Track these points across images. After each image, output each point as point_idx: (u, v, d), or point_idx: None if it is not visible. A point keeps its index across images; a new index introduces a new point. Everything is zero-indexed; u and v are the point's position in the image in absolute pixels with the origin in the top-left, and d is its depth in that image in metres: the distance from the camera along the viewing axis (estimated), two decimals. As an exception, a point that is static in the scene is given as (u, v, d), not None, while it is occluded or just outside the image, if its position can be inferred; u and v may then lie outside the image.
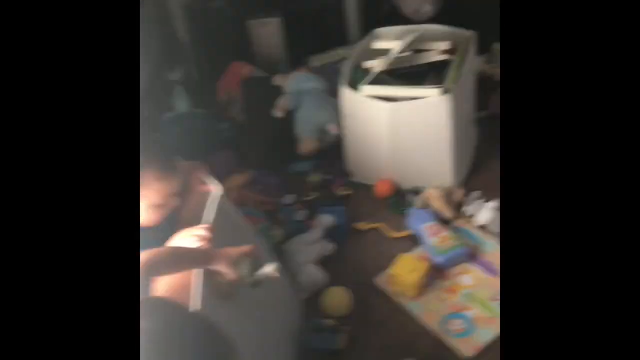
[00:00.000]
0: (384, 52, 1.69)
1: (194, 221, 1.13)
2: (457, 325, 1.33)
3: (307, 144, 1.80)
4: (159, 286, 1.03)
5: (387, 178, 1.70)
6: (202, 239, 1.07)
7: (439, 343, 1.31)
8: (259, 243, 1.32)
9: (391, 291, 1.43)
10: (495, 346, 1.28)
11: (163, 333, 0.82)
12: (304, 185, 1.78)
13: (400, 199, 1.68)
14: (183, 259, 1.04)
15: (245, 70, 2.04)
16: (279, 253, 1.51)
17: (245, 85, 1.93)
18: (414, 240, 1.55)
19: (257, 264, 1.04)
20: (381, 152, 1.66)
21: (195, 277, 1.02)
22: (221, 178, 1.79)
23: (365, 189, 1.74)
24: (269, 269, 1.04)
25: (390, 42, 1.71)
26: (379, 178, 1.71)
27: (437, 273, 1.45)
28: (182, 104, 2.01)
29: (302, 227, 1.56)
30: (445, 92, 1.51)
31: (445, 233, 1.48)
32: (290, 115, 1.86)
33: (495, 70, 2.07)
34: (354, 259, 1.55)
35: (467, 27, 1.78)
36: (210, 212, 1.13)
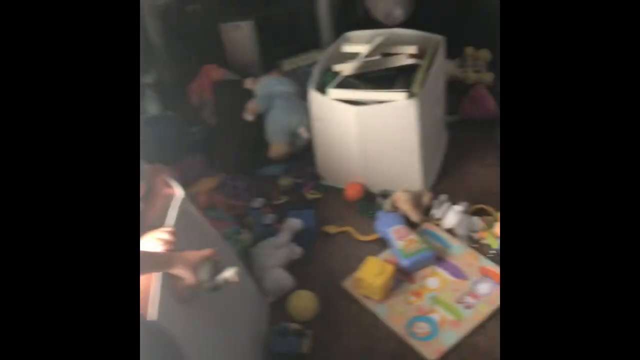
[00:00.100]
0: (353, 56, 1.69)
1: (158, 224, 1.13)
2: (422, 328, 1.34)
3: (277, 147, 1.80)
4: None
5: (357, 181, 1.71)
6: (164, 242, 1.07)
7: (403, 346, 1.32)
8: (223, 247, 1.31)
9: (358, 294, 1.43)
10: (458, 350, 1.29)
11: None
12: (274, 188, 1.78)
13: (370, 202, 1.69)
14: (143, 263, 1.03)
15: (216, 73, 2.03)
16: (247, 257, 1.51)
17: (215, 89, 1.93)
18: (382, 244, 1.56)
19: (217, 268, 1.04)
20: (350, 156, 1.66)
21: (154, 281, 1.01)
22: (191, 181, 1.81)
23: (335, 192, 1.75)
24: (229, 273, 1.03)
25: (360, 45, 1.72)
26: (348, 181, 1.71)
27: (404, 276, 1.46)
28: (152, 107, 2.00)
29: (270, 231, 1.56)
30: (411, 95, 1.52)
31: (411, 236, 1.49)
32: (261, 118, 1.86)
33: (466, 74, 2.09)
34: (322, 262, 1.55)
35: (440, 32, 1.80)
36: (171, 215, 1.13)
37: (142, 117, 1.96)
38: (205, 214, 1.64)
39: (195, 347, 1.08)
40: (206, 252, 1.04)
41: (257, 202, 1.62)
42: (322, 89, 1.63)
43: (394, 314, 1.37)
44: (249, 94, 1.91)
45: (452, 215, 1.54)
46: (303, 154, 1.84)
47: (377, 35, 1.75)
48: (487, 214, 1.60)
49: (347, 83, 1.66)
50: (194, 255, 1.04)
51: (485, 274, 1.43)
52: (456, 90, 2.07)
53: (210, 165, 1.85)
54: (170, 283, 1.03)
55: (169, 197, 1.19)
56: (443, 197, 1.58)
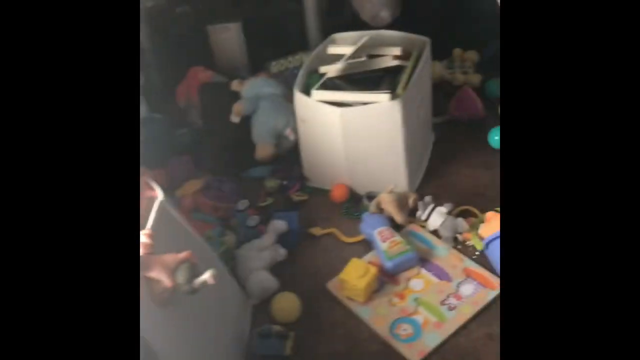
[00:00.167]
0: (338, 58, 1.69)
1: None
2: (405, 329, 1.33)
3: (263, 149, 1.80)
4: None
5: (343, 183, 1.70)
6: (142, 245, 1.06)
7: (386, 348, 1.31)
8: (204, 249, 1.31)
9: (341, 296, 1.43)
10: (441, 351, 1.29)
11: None
12: (260, 190, 1.77)
13: (355, 204, 1.69)
14: None
15: (203, 75, 2.03)
16: (232, 259, 1.51)
17: (201, 91, 1.92)
18: (367, 245, 1.56)
19: (195, 271, 1.03)
20: (336, 157, 1.66)
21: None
22: (178, 183, 1.81)
23: (321, 194, 1.75)
24: (206, 275, 1.03)
25: (345, 47, 1.72)
26: (335, 183, 1.71)
27: (388, 278, 1.46)
28: (140, 109, 2.00)
29: (254, 233, 1.56)
30: (395, 97, 1.52)
31: (395, 238, 1.48)
32: (247, 120, 1.86)
33: (453, 75, 2.09)
34: (307, 264, 1.54)
35: (427, 33, 1.80)
36: (150, 217, 1.13)
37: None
38: (191, 216, 1.65)
39: (174, 350, 1.08)
40: (183, 255, 1.04)
41: (242, 204, 1.62)
42: (307, 90, 1.63)
43: (377, 316, 1.37)
44: (235, 96, 1.91)
45: (436, 217, 1.53)
46: (289, 156, 1.84)
47: (364, 37, 1.75)
48: (472, 215, 1.59)
49: (332, 84, 1.66)
50: (171, 258, 1.03)
51: (469, 275, 1.43)
52: (444, 91, 2.08)
53: (196, 167, 1.85)
54: (147, 286, 1.02)
55: (151, 199, 1.19)
56: (428, 198, 1.58)
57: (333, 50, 1.72)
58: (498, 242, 1.40)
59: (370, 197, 1.65)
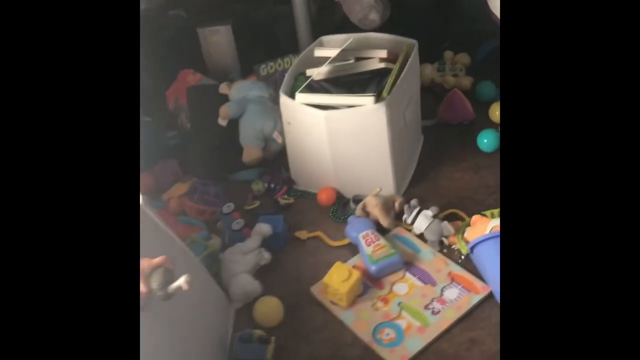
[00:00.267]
0: (325, 60, 1.68)
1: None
2: (388, 334, 1.32)
3: (251, 152, 1.79)
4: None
5: (330, 186, 1.69)
6: None
7: (369, 353, 1.30)
8: (183, 253, 1.30)
9: (325, 300, 1.41)
10: (423, 356, 1.27)
11: None
12: (248, 194, 1.77)
13: (342, 207, 1.68)
14: None
15: (192, 78, 2.02)
16: (216, 262, 1.50)
17: (189, 93, 1.92)
18: (353, 249, 1.54)
19: (170, 276, 1.02)
20: (322, 160, 1.65)
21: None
22: (166, 186, 1.81)
23: (308, 197, 1.74)
24: (180, 281, 1.02)
25: (332, 50, 1.71)
26: (321, 186, 1.70)
27: (373, 281, 1.45)
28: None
29: (239, 236, 1.55)
30: (379, 99, 1.51)
31: (380, 241, 1.47)
32: (236, 123, 1.85)
33: (444, 78, 2.08)
34: (292, 268, 1.53)
35: (418, 36, 1.79)
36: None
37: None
38: (177, 220, 1.65)
39: (153, 354, 1.07)
40: (158, 260, 1.03)
41: (227, 208, 1.61)
42: (294, 93, 1.62)
43: (360, 320, 1.36)
44: (224, 99, 1.90)
45: (422, 220, 1.52)
46: (277, 159, 1.83)
47: (348, 39, 1.74)
48: (460, 218, 1.58)
49: (319, 87, 1.65)
50: (145, 263, 1.02)
51: (453, 280, 1.42)
52: (434, 94, 2.07)
53: (184, 170, 1.84)
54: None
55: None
56: (414, 201, 1.57)
57: (320, 52, 1.71)
58: (483, 246, 1.39)
59: (357, 200, 1.64)
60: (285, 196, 1.74)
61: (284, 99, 1.60)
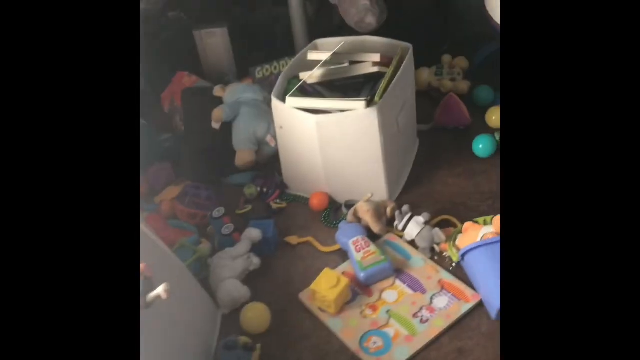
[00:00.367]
0: (317, 64, 1.67)
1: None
2: (375, 342, 1.30)
3: (244, 155, 1.78)
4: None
5: (322, 191, 1.68)
6: None
7: (355, 361, 1.29)
8: (171, 259, 1.29)
9: (313, 307, 1.40)
10: (409, 365, 1.26)
11: None
12: (240, 197, 1.75)
13: (335, 213, 1.66)
14: None
15: (188, 80, 2.01)
16: (206, 267, 1.48)
17: (183, 96, 1.91)
18: (343, 255, 1.53)
19: (149, 285, 1.01)
20: (315, 165, 1.63)
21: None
22: (159, 189, 1.79)
23: (300, 202, 1.72)
24: (159, 290, 1.01)
25: (326, 53, 1.69)
26: (314, 190, 1.69)
27: (362, 288, 1.43)
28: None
29: (229, 241, 1.53)
30: (371, 104, 1.49)
31: (370, 248, 1.45)
32: (230, 126, 1.84)
33: (441, 82, 2.06)
34: (281, 274, 1.52)
35: (416, 39, 1.77)
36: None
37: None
38: (168, 224, 1.64)
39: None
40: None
41: (218, 212, 1.59)
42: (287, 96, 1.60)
43: (347, 328, 1.34)
44: (219, 102, 1.89)
45: (413, 227, 1.50)
46: (270, 163, 1.81)
47: (343, 42, 1.72)
48: (453, 225, 1.56)
49: (311, 91, 1.64)
50: None
51: (444, 287, 1.40)
52: (432, 98, 2.05)
53: (177, 173, 1.83)
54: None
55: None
56: (405, 207, 1.55)
57: (312, 56, 1.69)
58: (474, 253, 1.37)
59: (349, 205, 1.62)
60: (278, 200, 1.72)
61: (275, 103, 1.58)
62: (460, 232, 1.50)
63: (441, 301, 1.36)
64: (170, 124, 2.03)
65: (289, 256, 1.57)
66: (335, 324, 1.35)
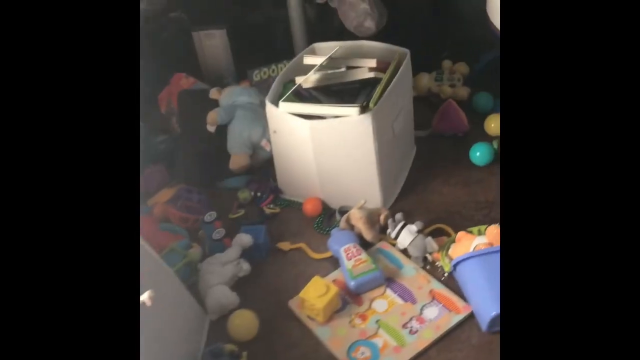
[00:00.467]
0: (313, 68, 1.65)
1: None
2: (363, 353, 1.28)
3: (238, 159, 1.76)
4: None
5: (316, 196, 1.66)
6: None
7: (342, 371, 1.27)
8: (158, 264, 1.27)
9: (302, 315, 1.38)
10: (396, 377, 1.24)
11: None
12: (233, 202, 1.74)
13: (328, 219, 1.65)
14: None
15: (185, 82, 2.00)
16: (195, 272, 1.47)
17: (180, 98, 1.89)
18: (335, 262, 1.51)
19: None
20: (309, 170, 1.62)
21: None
22: (153, 192, 1.78)
23: (294, 207, 1.70)
24: (143, 297, 1.00)
25: (322, 57, 1.68)
26: (308, 196, 1.67)
27: (352, 297, 1.41)
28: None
29: (220, 246, 1.52)
30: (365, 110, 1.47)
31: (361, 256, 1.44)
32: (225, 129, 1.82)
33: (441, 88, 2.04)
34: (272, 280, 1.50)
35: (416, 44, 1.75)
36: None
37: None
38: (159, 227, 1.62)
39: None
40: None
41: (210, 216, 1.58)
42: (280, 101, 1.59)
43: (336, 337, 1.32)
44: (215, 104, 1.87)
45: (405, 235, 1.48)
46: (265, 167, 1.80)
47: (341, 47, 1.70)
48: (446, 234, 1.54)
49: (307, 95, 1.62)
50: None
51: (434, 298, 1.38)
52: (431, 104, 2.03)
53: (171, 175, 1.82)
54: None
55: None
56: (399, 215, 1.53)
57: (308, 60, 1.68)
58: (466, 264, 1.35)
59: (343, 211, 1.60)
60: (271, 205, 1.71)
61: (269, 107, 1.57)
62: (454, 241, 1.47)
63: (431, 312, 1.34)
64: (166, 126, 2.02)
65: (280, 262, 1.55)
66: (323, 333, 1.33)
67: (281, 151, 1.65)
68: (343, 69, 1.68)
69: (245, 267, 1.47)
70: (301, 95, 1.62)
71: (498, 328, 1.27)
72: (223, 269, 1.44)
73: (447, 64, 2.12)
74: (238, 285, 1.46)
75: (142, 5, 2.25)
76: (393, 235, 1.50)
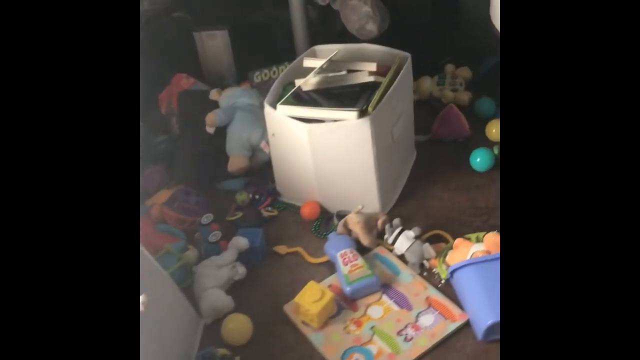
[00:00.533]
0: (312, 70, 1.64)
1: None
2: (357, 359, 1.27)
3: (236, 161, 1.76)
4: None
5: (314, 200, 1.65)
6: None
7: (336, 378, 1.26)
8: (152, 267, 1.26)
9: (296, 320, 1.37)
10: (390, 385, 1.23)
11: None
12: (231, 204, 1.73)
13: (326, 223, 1.63)
14: None
15: (185, 82, 1.99)
16: (191, 275, 1.46)
17: (180, 98, 1.89)
18: (332, 267, 1.50)
19: None
20: (306, 174, 1.61)
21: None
22: (151, 192, 1.77)
23: (292, 210, 1.69)
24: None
25: (321, 60, 1.66)
26: (306, 199, 1.66)
27: (348, 303, 1.40)
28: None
29: (215, 249, 1.51)
30: (363, 114, 1.46)
31: (357, 261, 1.42)
32: (224, 131, 1.81)
33: (443, 92, 2.02)
34: (268, 284, 1.49)
35: (418, 48, 1.74)
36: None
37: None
38: (156, 229, 1.61)
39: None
40: None
41: (206, 218, 1.57)
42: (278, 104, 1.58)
43: (330, 343, 1.31)
44: (215, 106, 1.86)
45: (403, 241, 1.47)
46: (264, 170, 1.79)
47: (341, 49, 1.69)
48: (445, 240, 1.53)
49: (307, 98, 1.61)
50: None
51: (430, 305, 1.36)
52: (432, 108, 2.01)
53: (170, 176, 1.81)
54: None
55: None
56: (396, 221, 1.52)
57: (308, 63, 1.67)
58: (462, 272, 1.34)
59: (341, 216, 1.59)
60: (269, 208, 1.70)
61: (267, 110, 1.56)
62: (451, 248, 1.46)
63: (427, 319, 1.33)
64: (166, 126, 2.01)
65: (276, 266, 1.54)
66: (317, 339, 1.32)
67: (280, 154, 1.64)
68: (343, 72, 1.67)
69: (241, 270, 1.46)
70: (301, 98, 1.61)
71: (494, 337, 1.25)
72: (218, 272, 1.43)
73: (449, 68, 2.10)
74: (233, 288, 1.45)
75: (145, 5, 2.25)
76: (390, 240, 1.49)
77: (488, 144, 1.81)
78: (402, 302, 1.38)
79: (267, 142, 1.74)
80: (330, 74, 1.65)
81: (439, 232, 1.54)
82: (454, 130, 1.85)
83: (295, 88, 1.59)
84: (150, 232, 1.57)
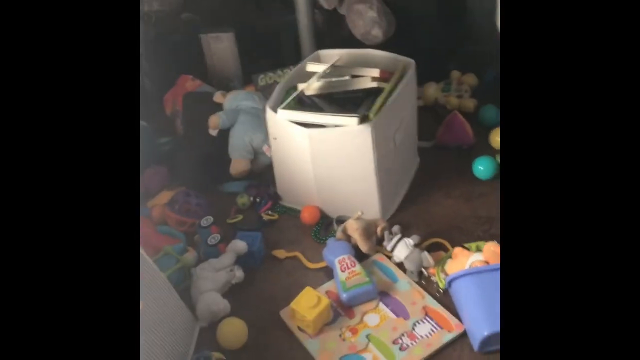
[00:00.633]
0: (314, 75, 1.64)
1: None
2: (351, 367, 1.27)
3: (238, 164, 1.76)
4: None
5: (314, 204, 1.65)
6: None
7: (329, 385, 1.25)
8: (149, 268, 1.26)
9: (292, 326, 1.36)
10: (383, 394, 1.22)
11: None
12: (232, 207, 1.73)
13: (326, 228, 1.63)
14: None
15: (190, 84, 2.00)
16: (189, 277, 1.46)
17: (184, 100, 1.89)
18: (330, 272, 1.49)
19: None
20: (307, 178, 1.60)
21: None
22: (153, 193, 1.78)
23: (292, 214, 1.69)
24: None
25: (325, 65, 1.66)
26: (306, 204, 1.65)
27: (344, 309, 1.39)
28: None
29: (214, 252, 1.51)
30: (364, 120, 1.45)
31: (355, 268, 1.42)
32: (227, 133, 1.82)
33: (447, 99, 2.01)
34: (265, 289, 1.49)
35: (425, 54, 1.73)
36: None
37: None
38: (156, 230, 1.62)
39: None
40: None
41: (206, 220, 1.57)
42: (285, 107, 1.57)
43: (325, 350, 1.30)
44: (219, 108, 1.87)
45: (401, 249, 1.46)
46: (265, 173, 1.79)
47: (345, 55, 1.69)
48: (444, 249, 1.52)
49: (309, 102, 1.60)
50: None
51: (427, 314, 1.35)
52: (437, 114, 2.00)
53: (172, 177, 1.81)
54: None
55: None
56: (396, 228, 1.51)
57: (311, 67, 1.66)
58: (460, 282, 1.33)
59: (341, 221, 1.59)
60: (270, 212, 1.70)
61: (269, 113, 1.56)
62: (450, 257, 1.45)
63: (423, 328, 1.32)
64: (171, 127, 2.02)
65: (274, 270, 1.54)
66: (312, 345, 1.32)
67: (280, 158, 1.64)
68: (347, 78, 1.66)
69: (239, 274, 1.46)
70: (303, 103, 1.61)
71: (490, 348, 1.24)
72: (216, 275, 1.43)
73: (455, 74, 2.09)
74: (231, 292, 1.45)
75: (155, 6, 2.25)
76: (389, 248, 1.48)
77: (492, 151, 1.80)
78: (399, 311, 1.37)
79: (269, 146, 1.74)
80: (334, 79, 1.65)
81: (439, 240, 1.53)
82: (458, 137, 1.84)
83: (297, 92, 1.58)
84: (150, 233, 1.57)
